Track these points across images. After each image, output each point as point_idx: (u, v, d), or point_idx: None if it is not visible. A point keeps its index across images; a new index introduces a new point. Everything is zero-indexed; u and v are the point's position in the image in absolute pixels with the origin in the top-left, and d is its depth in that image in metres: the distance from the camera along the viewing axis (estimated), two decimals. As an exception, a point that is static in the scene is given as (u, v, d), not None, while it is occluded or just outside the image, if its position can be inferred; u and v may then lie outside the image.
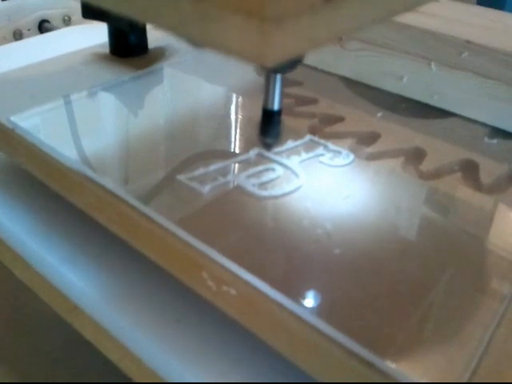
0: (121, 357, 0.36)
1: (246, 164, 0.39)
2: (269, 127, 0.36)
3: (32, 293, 0.42)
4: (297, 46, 0.20)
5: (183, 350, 0.34)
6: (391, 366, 0.25)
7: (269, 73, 0.34)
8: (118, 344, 0.36)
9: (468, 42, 0.45)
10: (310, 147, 0.41)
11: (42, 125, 0.43)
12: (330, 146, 0.41)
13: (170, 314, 0.35)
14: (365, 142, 0.43)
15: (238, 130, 0.44)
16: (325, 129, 0.44)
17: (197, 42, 0.22)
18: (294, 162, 0.39)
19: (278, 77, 0.34)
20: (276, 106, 0.35)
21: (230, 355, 0.33)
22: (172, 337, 0.34)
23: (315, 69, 0.54)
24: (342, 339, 0.26)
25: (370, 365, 0.26)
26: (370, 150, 0.42)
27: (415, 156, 0.42)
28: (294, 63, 0.32)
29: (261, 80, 0.53)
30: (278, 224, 0.34)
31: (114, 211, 0.35)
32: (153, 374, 0.34)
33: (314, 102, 0.49)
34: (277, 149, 0.40)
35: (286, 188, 0.36)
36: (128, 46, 0.54)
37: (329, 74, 0.54)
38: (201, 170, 0.38)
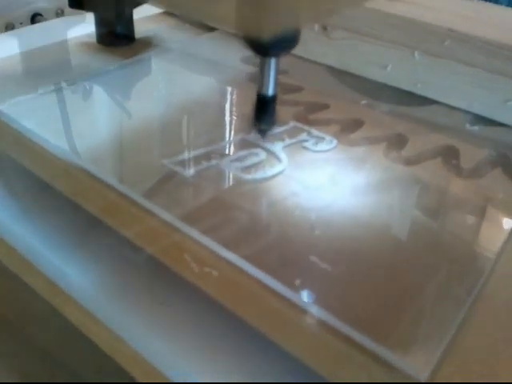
0: (106, 339, 0.36)
1: (230, 149, 0.40)
2: (263, 113, 0.35)
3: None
4: (293, 19, 0.19)
5: (167, 331, 0.34)
6: (362, 336, 0.25)
7: (264, 56, 0.33)
8: (103, 327, 0.36)
9: (450, 30, 0.46)
10: (293, 133, 0.42)
11: (28, 113, 0.43)
12: (314, 131, 0.42)
13: (155, 296, 0.36)
14: (348, 129, 0.43)
15: (222, 117, 0.45)
16: (309, 116, 0.45)
17: (193, 17, 0.22)
18: (277, 147, 0.40)
19: (273, 61, 0.33)
20: (270, 92, 0.34)
21: (215, 335, 0.34)
22: (156, 318, 0.35)
23: (301, 58, 0.54)
24: (322, 315, 0.27)
25: (348, 341, 0.26)
26: (353, 136, 0.43)
27: (397, 142, 0.42)
28: (289, 45, 0.31)
29: (246, 69, 0.53)
30: (261, 206, 0.35)
31: (96, 195, 0.35)
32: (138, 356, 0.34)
33: (299, 90, 0.49)
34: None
35: (269, 172, 0.37)
36: (114, 36, 0.55)
37: (314, 62, 0.54)
38: (185, 155, 0.38)
